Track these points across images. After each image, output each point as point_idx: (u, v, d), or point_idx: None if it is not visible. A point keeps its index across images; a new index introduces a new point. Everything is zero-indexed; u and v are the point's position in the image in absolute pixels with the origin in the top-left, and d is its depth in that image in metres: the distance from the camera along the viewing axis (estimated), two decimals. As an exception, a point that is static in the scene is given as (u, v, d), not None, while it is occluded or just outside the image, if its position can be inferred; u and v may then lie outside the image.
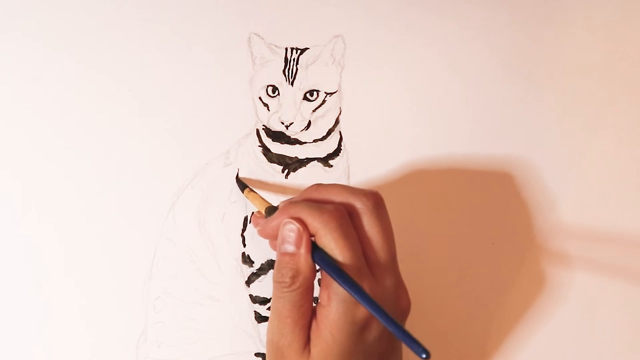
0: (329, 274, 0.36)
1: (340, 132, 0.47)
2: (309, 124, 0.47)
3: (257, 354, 0.46)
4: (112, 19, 0.47)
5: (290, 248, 0.37)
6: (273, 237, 0.40)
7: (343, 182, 0.47)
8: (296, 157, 0.47)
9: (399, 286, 0.39)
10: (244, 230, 0.47)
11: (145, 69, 0.47)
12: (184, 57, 0.47)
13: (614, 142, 0.49)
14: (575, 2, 0.49)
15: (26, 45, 0.46)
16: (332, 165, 0.47)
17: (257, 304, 0.47)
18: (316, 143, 0.47)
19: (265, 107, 0.47)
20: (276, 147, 0.47)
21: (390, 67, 0.48)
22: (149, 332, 0.46)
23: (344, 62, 0.47)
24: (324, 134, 0.47)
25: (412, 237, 0.47)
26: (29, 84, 0.46)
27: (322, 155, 0.47)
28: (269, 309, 0.47)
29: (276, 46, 0.47)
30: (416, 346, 0.31)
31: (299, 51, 0.47)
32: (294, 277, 0.37)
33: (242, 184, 0.46)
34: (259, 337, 0.46)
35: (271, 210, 0.41)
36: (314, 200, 0.39)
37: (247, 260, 0.47)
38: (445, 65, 0.48)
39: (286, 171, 0.47)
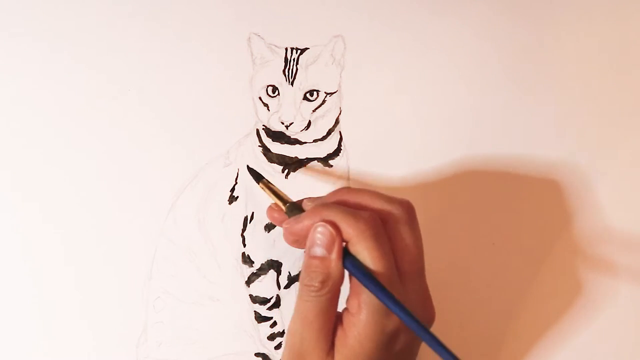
0: (361, 282, 0.36)
1: (340, 132, 0.47)
2: (309, 124, 0.47)
3: (257, 354, 0.46)
4: (112, 19, 0.47)
5: (320, 252, 0.37)
6: (301, 238, 0.39)
7: (343, 182, 0.47)
8: (296, 157, 0.47)
9: (426, 296, 0.39)
10: (244, 230, 0.47)
11: (145, 69, 0.47)
12: (184, 57, 0.47)
13: (614, 134, 0.49)
14: (575, 2, 0.49)
15: (26, 46, 0.46)
16: (332, 165, 0.47)
17: (257, 304, 0.47)
18: (316, 143, 0.47)
19: (265, 107, 0.47)
20: (276, 147, 0.47)
21: (390, 67, 0.48)
22: (149, 332, 0.46)
23: (344, 62, 0.47)
24: (324, 134, 0.47)
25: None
26: (29, 84, 0.46)
27: (322, 155, 0.47)
28: (269, 308, 0.47)
29: (276, 46, 0.47)
30: (450, 357, 0.32)
31: (299, 51, 0.47)
32: (323, 282, 0.36)
33: (256, 175, 0.45)
34: (258, 337, 0.46)
35: (293, 207, 0.41)
36: (346, 204, 0.38)
37: (247, 260, 0.47)
38: (446, 65, 0.48)
39: (286, 171, 0.47)
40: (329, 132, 0.47)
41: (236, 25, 0.47)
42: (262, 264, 0.47)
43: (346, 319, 0.37)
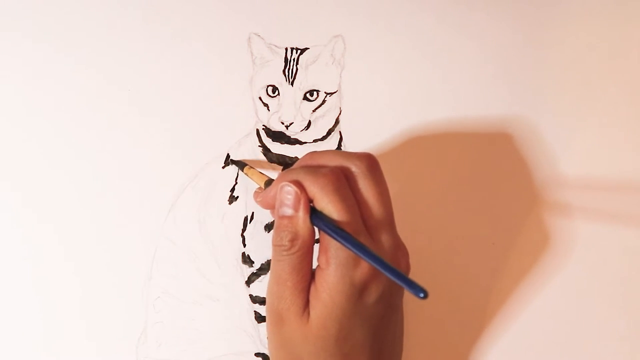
0: (329, 234, 0.36)
1: (340, 132, 0.47)
2: (309, 124, 0.47)
3: (257, 354, 0.46)
4: (112, 19, 0.47)
5: (288, 211, 0.38)
6: (272, 206, 0.40)
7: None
8: (296, 157, 0.47)
9: (398, 247, 0.39)
10: (244, 230, 0.47)
11: (145, 69, 0.47)
12: (184, 57, 0.47)
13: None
14: (575, 2, 0.49)
15: (26, 46, 0.46)
16: (332, 165, 0.47)
17: (257, 304, 0.47)
18: (316, 143, 0.47)
19: (265, 107, 0.47)
20: (276, 147, 0.47)
21: (390, 67, 0.48)
22: (149, 332, 0.46)
23: (344, 62, 0.47)
24: (324, 134, 0.47)
25: (413, 235, 0.47)
26: (29, 84, 0.46)
27: (322, 155, 0.47)
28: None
29: (276, 46, 0.47)
30: (413, 286, 0.32)
31: (299, 51, 0.47)
32: (293, 240, 0.37)
33: (239, 164, 0.46)
34: (259, 337, 0.46)
35: (269, 182, 0.42)
36: (310, 167, 0.39)
37: (247, 260, 0.47)
38: (446, 64, 0.48)
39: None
40: (329, 132, 0.47)
41: (236, 25, 0.47)
42: (262, 264, 0.47)
43: (317, 275, 0.37)
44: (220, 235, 0.47)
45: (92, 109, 0.47)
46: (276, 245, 0.38)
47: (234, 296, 0.46)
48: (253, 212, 0.47)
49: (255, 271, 0.47)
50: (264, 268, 0.47)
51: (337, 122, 0.47)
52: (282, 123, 0.46)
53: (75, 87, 0.46)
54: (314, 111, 0.47)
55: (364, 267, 0.36)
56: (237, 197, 0.47)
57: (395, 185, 0.47)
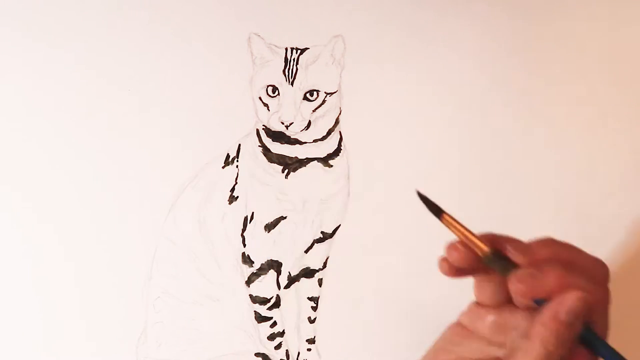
0: (601, 354, 0.33)
1: (340, 132, 0.47)
2: (309, 124, 0.47)
3: (257, 354, 0.46)
4: (112, 19, 0.47)
5: (579, 325, 0.33)
6: (536, 297, 0.34)
7: (343, 181, 0.47)
8: (296, 157, 0.47)
9: None
10: (244, 230, 0.47)
11: (145, 69, 0.47)
12: (184, 57, 0.47)
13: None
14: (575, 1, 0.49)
15: (26, 46, 0.46)
16: (332, 165, 0.47)
17: (257, 304, 0.47)
18: (316, 143, 0.47)
19: (265, 107, 0.47)
20: (276, 147, 0.47)
21: (390, 67, 0.48)
22: (149, 332, 0.46)
23: (344, 62, 0.47)
24: (324, 134, 0.47)
25: (414, 236, 0.47)
26: (29, 84, 0.46)
27: (322, 155, 0.47)
28: (269, 308, 0.47)
29: (276, 46, 0.47)
30: None
31: (299, 51, 0.47)
32: (567, 353, 0.33)
33: (435, 208, 0.37)
34: (258, 337, 0.46)
35: (499, 257, 0.35)
36: (559, 259, 0.34)
37: (247, 260, 0.47)
38: (445, 64, 0.48)
39: (286, 171, 0.47)
40: (329, 132, 0.47)
41: (236, 25, 0.47)
42: (262, 264, 0.47)
43: None
44: (220, 235, 0.47)
45: (92, 109, 0.46)
46: (549, 355, 0.32)
47: (234, 296, 0.46)
48: (253, 212, 0.47)
49: (255, 271, 0.47)
50: (264, 268, 0.47)
51: (337, 122, 0.47)
52: (282, 123, 0.46)
53: (75, 87, 0.46)
54: (314, 111, 0.47)
55: None
56: (237, 197, 0.47)
57: (396, 185, 0.47)
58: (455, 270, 0.35)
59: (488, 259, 0.34)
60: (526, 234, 0.48)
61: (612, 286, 0.34)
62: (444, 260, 0.35)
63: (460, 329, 0.35)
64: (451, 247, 0.35)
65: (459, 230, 0.35)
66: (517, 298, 0.34)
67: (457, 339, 0.35)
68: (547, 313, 0.33)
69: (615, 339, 0.33)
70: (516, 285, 0.34)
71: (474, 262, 0.35)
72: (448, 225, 0.36)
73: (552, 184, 0.48)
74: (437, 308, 0.47)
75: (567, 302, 0.33)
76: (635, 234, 0.48)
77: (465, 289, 0.47)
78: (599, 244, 0.48)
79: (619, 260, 0.48)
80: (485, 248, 0.34)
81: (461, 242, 0.35)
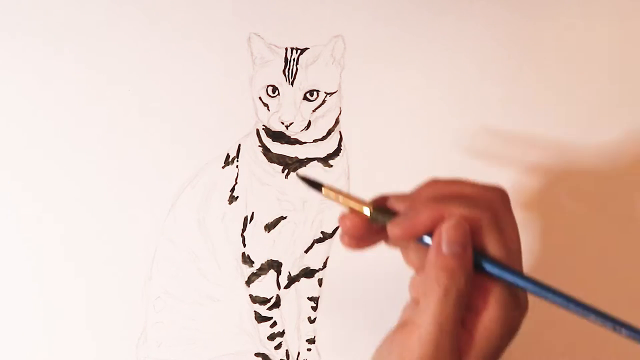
0: (495, 275, 0.33)
1: (340, 132, 0.47)
2: (309, 124, 0.47)
3: (257, 354, 0.46)
4: (113, 18, 0.47)
5: (461, 250, 0.33)
6: (417, 236, 0.34)
7: (343, 182, 0.47)
8: (296, 157, 0.47)
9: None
10: (244, 230, 0.47)
11: (145, 69, 0.47)
12: (184, 57, 0.47)
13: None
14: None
15: (27, 45, 0.46)
16: (332, 165, 0.47)
17: (257, 304, 0.47)
18: (316, 143, 0.47)
19: (265, 107, 0.47)
20: (276, 147, 0.47)
21: (390, 67, 0.48)
22: (149, 332, 0.46)
23: (344, 62, 0.47)
24: (324, 134, 0.47)
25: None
26: (29, 84, 0.46)
27: (322, 155, 0.47)
28: (269, 308, 0.47)
29: (276, 46, 0.47)
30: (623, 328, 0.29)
31: (299, 51, 0.47)
32: (466, 283, 0.32)
33: (314, 183, 0.36)
34: (258, 337, 0.46)
35: (382, 210, 0.35)
36: (445, 196, 0.35)
37: (247, 260, 0.47)
38: (445, 64, 0.48)
39: (286, 171, 0.47)
40: (329, 132, 0.47)
41: (236, 25, 0.47)
42: (262, 264, 0.47)
43: (470, 318, 0.33)
44: (220, 235, 0.47)
45: (92, 109, 0.47)
46: (448, 292, 0.32)
47: (234, 296, 0.46)
48: (253, 212, 0.47)
49: (255, 271, 0.47)
50: (264, 268, 0.47)
51: (337, 122, 0.47)
52: (282, 123, 0.46)
53: (75, 86, 0.46)
54: (314, 111, 0.47)
55: (524, 307, 0.34)
56: (237, 197, 0.47)
57: (396, 185, 0.47)
58: (356, 240, 0.35)
59: (372, 217, 0.34)
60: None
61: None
62: (343, 234, 0.35)
63: (411, 301, 0.35)
64: (341, 217, 0.35)
65: (342, 199, 0.35)
66: (398, 243, 0.35)
67: (411, 309, 0.35)
68: (431, 251, 0.33)
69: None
70: (391, 231, 0.34)
71: (367, 227, 0.35)
72: (329, 196, 0.35)
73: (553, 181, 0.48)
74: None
75: (444, 233, 0.33)
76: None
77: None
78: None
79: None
80: (366, 206, 0.34)
81: (350, 210, 0.35)
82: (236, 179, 0.47)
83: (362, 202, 0.35)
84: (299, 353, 0.47)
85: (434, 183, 0.36)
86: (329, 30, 0.47)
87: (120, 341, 0.46)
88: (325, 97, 0.47)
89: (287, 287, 0.47)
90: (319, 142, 0.47)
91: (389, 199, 0.36)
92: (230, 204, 0.47)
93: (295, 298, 0.47)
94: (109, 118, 0.46)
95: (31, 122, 0.46)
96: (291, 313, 0.47)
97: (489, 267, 0.33)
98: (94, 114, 0.46)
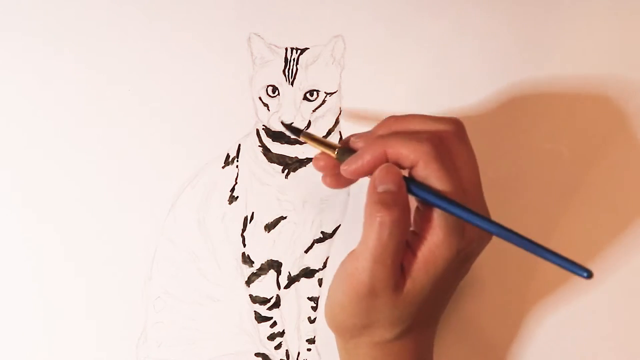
0: (433, 203, 0.35)
1: (340, 132, 0.47)
2: (309, 124, 0.47)
3: (257, 354, 0.46)
4: (112, 18, 0.47)
5: (392, 187, 0.36)
6: (363, 175, 0.38)
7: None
8: (296, 157, 0.47)
9: (487, 213, 0.39)
10: (244, 230, 0.47)
11: (145, 69, 0.47)
12: (184, 57, 0.47)
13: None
14: (574, 2, 0.49)
15: (26, 45, 0.46)
16: (332, 165, 0.47)
17: (257, 304, 0.47)
18: (316, 143, 0.47)
19: (265, 107, 0.47)
20: (276, 147, 0.47)
21: (390, 67, 0.48)
22: (149, 332, 0.46)
23: (344, 62, 0.47)
24: (324, 134, 0.47)
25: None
26: (29, 83, 0.46)
27: (322, 155, 0.47)
28: (269, 308, 0.47)
29: (276, 46, 0.47)
30: (576, 268, 0.30)
31: (299, 51, 0.47)
32: (399, 217, 0.35)
33: (294, 129, 0.44)
34: (258, 337, 0.46)
35: (345, 150, 0.40)
36: (393, 133, 0.38)
37: (247, 260, 0.47)
38: (445, 65, 0.48)
39: (286, 171, 0.47)
40: (329, 132, 0.47)
41: (236, 25, 0.47)
42: (262, 264, 0.47)
43: (417, 245, 0.36)
44: (220, 235, 0.47)
45: (92, 109, 0.47)
46: (383, 222, 0.35)
47: (234, 296, 0.46)
48: (253, 212, 0.47)
49: (255, 271, 0.47)
50: (264, 268, 0.47)
51: (337, 122, 0.47)
52: (282, 123, 0.46)
53: (75, 86, 0.46)
54: (314, 111, 0.47)
55: (470, 235, 0.36)
56: (237, 197, 0.47)
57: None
58: (334, 180, 0.40)
59: (337, 156, 0.40)
60: (529, 230, 0.48)
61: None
62: (322, 176, 0.41)
63: None
64: (314, 159, 0.41)
65: (316, 142, 0.42)
66: (349, 180, 0.40)
67: None
68: (368, 189, 0.37)
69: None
70: (342, 171, 0.39)
71: (337, 165, 0.39)
72: (307, 140, 0.43)
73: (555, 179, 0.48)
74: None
75: (376, 175, 0.36)
76: None
77: (465, 288, 0.47)
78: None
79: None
80: (333, 146, 0.40)
81: (321, 153, 0.41)
82: (236, 179, 0.47)
83: (331, 144, 0.41)
84: (299, 353, 0.47)
85: (389, 120, 0.39)
86: (329, 30, 0.47)
87: (120, 341, 0.46)
88: (325, 97, 0.47)
89: (287, 287, 0.47)
90: (319, 142, 0.47)
91: (350, 138, 0.40)
92: (230, 204, 0.47)
93: (295, 298, 0.47)
94: (109, 118, 0.46)
95: (31, 122, 0.46)
96: (291, 313, 0.47)
97: (424, 197, 0.36)
98: (94, 114, 0.46)
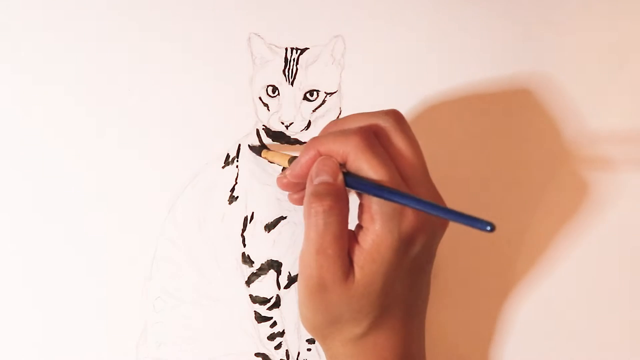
0: (368, 192, 0.36)
1: (340, 132, 0.47)
2: (309, 124, 0.47)
3: (257, 354, 0.46)
4: (112, 18, 0.47)
5: (326, 178, 0.37)
6: (303, 177, 0.39)
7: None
8: (296, 157, 0.47)
9: (436, 198, 0.39)
10: (244, 230, 0.47)
11: (145, 69, 0.47)
12: (184, 57, 0.47)
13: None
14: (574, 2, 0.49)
15: (26, 45, 0.46)
16: (332, 165, 0.47)
17: (257, 304, 0.47)
18: (316, 143, 0.47)
19: (265, 107, 0.47)
20: (276, 147, 0.47)
21: (390, 67, 0.48)
22: (149, 332, 0.46)
23: (344, 62, 0.47)
24: (324, 134, 0.47)
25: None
26: (29, 84, 0.46)
27: (322, 155, 0.47)
28: (269, 308, 0.47)
29: (276, 46, 0.47)
30: (478, 222, 0.31)
31: (299, 51, 0.47)
32: (334, 206, 0.36)
33: (256, 148, 0.46)
34: (259, 337, 0.46)
35: (293, 159, 0.42)
36: (337, 131, 0.39)
37: (247, 260, 0.47)
38: (445, 65, 0.48)
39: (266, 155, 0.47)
40: (329, 132, 0.47)
41: (236, 25, 0.47)
42: (262, 264, 0.47)
43: (362, 235, 0.37)
44: (220, 235, 0.47)
45: (92, 109, 0.47)
46: (315, 211, 0.37)
47: (234, 296, 0.46)
48: (253, 212, 0.47)
49: (255, 271, 0.47)
50: (264, 268, 0.47)
51: (337, 122, 0.47)
52: (282, 123, 0.46)
53: (74, 87, 0.46)
54: (314, 111, 0.47)
55: (410, 219, 0.37)
56: (237, 197, 0.47)
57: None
58: (292, 189, 0.42)
59: (289, 164, 0.42)
60: (531, 226, 0.48)
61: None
62: (280, 185, 0.42)
63: None
64: (277, 179, 0.42)
65: (271, 157, 0.45)
66: (291, 188, 0.42)
67: None
68: (307, 183, 0.38)
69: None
70: (285, 176, 0.41)
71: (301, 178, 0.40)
72: (267, 157, 0.46)
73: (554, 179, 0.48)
74: (436, 306, 0.47)
75: (312, 168, 0.38)
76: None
77: (465, 289, 0.47)
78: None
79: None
80: (286, 161, 0.43)
81: (282, 170, 0.43)
82: (236, 179, 0.47)
83: (284, 156, 0.43)
84: (299, 353, 0.47)
85: (329, 124, 0.41)
86: (329, 30, 0.47)
87: (120, 341, 0.46)
88: (325, 97, 0.47)
89: (287, 287, 0.47)
90: (319, 142, 0.47)
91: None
92: (230, 204, 0.47)
93: (295, 298, 0.47)
94: (108, 118, 0.46)
95: (30, 122, 0.46)
96: (291, 313, 0.47)
97: (358, 187, 0.37)
98: (94, 114, 0.46)
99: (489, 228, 0.30)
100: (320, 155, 0.38)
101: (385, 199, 0.36)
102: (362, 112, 0.40)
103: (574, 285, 0.47)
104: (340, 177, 0.37)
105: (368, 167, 0.37)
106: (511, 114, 0.48)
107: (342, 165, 0.38)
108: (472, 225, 0.31)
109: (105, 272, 0.46)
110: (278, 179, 0.42)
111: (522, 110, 0.48)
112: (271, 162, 0.46)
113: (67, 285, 0.46)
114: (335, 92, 0.47)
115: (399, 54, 0.48)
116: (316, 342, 0.47)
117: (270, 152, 0.45)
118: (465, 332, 0.47)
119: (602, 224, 0.48)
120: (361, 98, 0.47)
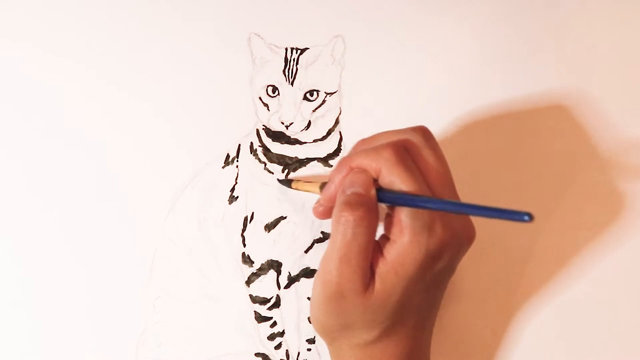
0: (399, 203, 0.36)
1: (340, 132, 0.47)
2: (309, 124, 0.47)
3: (257, 354, 0.46)
4: (112, 18, 0.47)
5: (359, 189, 0.37)
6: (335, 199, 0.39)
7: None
8: (296, 157, 0.47)
9: (465, 215, 0.39)
10: (244, 230, 0.47)
11: (145, 69, 0.47)
12: (184, 57, 0.47)
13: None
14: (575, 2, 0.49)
15: (26, 46, 0.46)
16: (332, 165, 0.47)
17: (257, 304, 0.47)
18: (316, 143, 0.47)
19: (265, 107, 0.47)
20: (276, 147, 0.47)
21: (390, 67, 0.48)
22: (149, 332, 0.46)
23: (344, 62, 0.47)
24: (324, 134, 0.47)
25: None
26: (29, 84, 0.46)
27: (322, 155, 0.47)
28: (269, 308, 0.47)
29: (276, 46, 0.47)
30: (516, 214, 0.31)
31: (299, 51, 0.47)
32: (364, 217, 0.36)
33: (286, 182, 0.46)
34: (259, 337, 0.46)
35: (325, 184, 0.42)
36: (368, 148, 0.39)
37: (247, 260, 0.47)
38: (445, 65, 0.48)
39: (286, 171, 0.47)
40: (329, 132, 0.47)
41: (236, 25, 0.47)
42: (262, 264, 0.47)
43: (387, 248, 0.37)
44: (220, 235, 0.47)
45: (92, 109, 0.47)
46: (347, 221, 0.37)
47: (234, 296, 0.46)
48: (253, 212, 0.47)
49: (255, 271, 0.47)
50: (264, 268, 0.47)
51: (337, 122, 0.47)
52: (282, 123, 0.46)
53: (75, 87, 0.46)
54: (314, 111, 0.47)
55: (439, 233, 0.37)
56: (237, 197, 0.47)
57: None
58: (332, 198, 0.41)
59: (321, 190, 0.41)
60: (534, 224, 0.47)
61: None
62: (316, 214, 0.42)
63: None
64: (314, 209, 0.42)
65: (301, 186, 0.44)
66: (319, 213, 0.42)
67: None
68: (338, 193, 0.39)
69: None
70: (320, 200, 0.41)
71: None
72: (298, 188, 0.45)
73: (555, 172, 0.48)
74: (441, 313, 0.47)
75: (346, 181, 0.38)
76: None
77: (465, 289, 0.47)
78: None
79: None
80: (317, 186, 0.42)
81: (317, 202, 0.42)
82: (236, 179, 0.47)
83: (315, 184, 0.43)
84: (299, 353, 0.47)
85: (358, 143, 0.41)
86: (329, 30, 0.47)
87: (120, 341, 0.46)
88: (325, 97, 0.47)
89: (287, 287, 0.47)
90: (319, 142, 0.47)
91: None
92: (230, 204, 0.47)
93: (295, 298, 0.47)
94: (108, 118, 0.46)
95: (31, 121, 0.46)
96: (291, 313, 0.47)
97: (390, 200, 0.37)
98: (94, 113, 0.47)
99: (526, 218, 0.30)
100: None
101: (420, 207, 0.36)
102: (389, 129, 0.40)
103: (590, 297, 0.47)
104: (373, 190, 0.37)
105: (400, 181, 0.37)
106: (523, 116, 0.48)
107: (375, 180, 0.38)
108: (511, 218, 0.31)
109: (106, 272, 0.46)
110: (314, 209, 0.42)
111: (534, 115, 0.48)
112: (304, 191, 0.45)
113: (67, 285, 0.46)
114: (335, 92, 0.47)
115: (399, 53, 0.48)
116: (316, 342, 0.47)
117: (300, 182, 0.45)
118: (471, 339, 0.47)
119: (636, 235, 0.47)
120: (361, 98, 0.47)
